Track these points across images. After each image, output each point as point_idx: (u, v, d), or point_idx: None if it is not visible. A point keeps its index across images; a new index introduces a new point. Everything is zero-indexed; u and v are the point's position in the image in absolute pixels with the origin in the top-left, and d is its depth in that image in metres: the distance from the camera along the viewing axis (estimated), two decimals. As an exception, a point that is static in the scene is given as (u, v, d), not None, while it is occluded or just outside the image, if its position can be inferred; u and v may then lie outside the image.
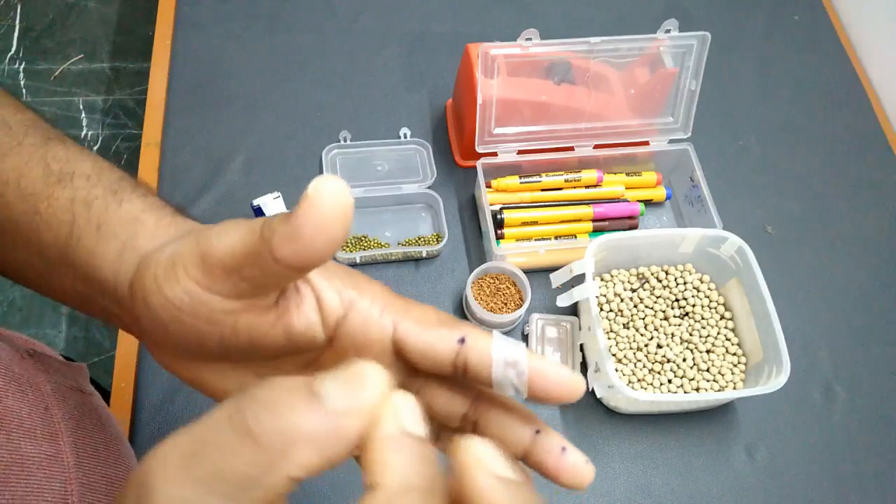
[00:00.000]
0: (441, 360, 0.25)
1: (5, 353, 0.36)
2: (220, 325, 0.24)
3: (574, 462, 0.25)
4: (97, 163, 0.31)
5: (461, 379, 0.25)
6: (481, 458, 0.19)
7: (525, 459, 0.26)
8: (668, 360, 0.68)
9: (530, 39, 0.69)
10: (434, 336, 0.25)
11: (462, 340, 0.25)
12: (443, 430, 0.30)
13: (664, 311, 0.71)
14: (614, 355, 0.68)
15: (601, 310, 0.70)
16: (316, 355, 0.27)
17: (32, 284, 0.32)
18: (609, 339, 0.69)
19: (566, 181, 0.77)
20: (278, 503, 0.18)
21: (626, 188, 0.79)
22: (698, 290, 0.72)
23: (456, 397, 0.27)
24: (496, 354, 0.24)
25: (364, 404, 0.18)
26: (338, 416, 0.18)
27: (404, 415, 0.19)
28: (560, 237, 0.76)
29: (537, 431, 0.25)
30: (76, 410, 0.41)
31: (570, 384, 0.24)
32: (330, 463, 0.18)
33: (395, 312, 0.26)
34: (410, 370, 0.26)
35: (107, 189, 0.29)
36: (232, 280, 0.23)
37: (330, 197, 0.20)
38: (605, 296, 0.71)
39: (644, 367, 0.68)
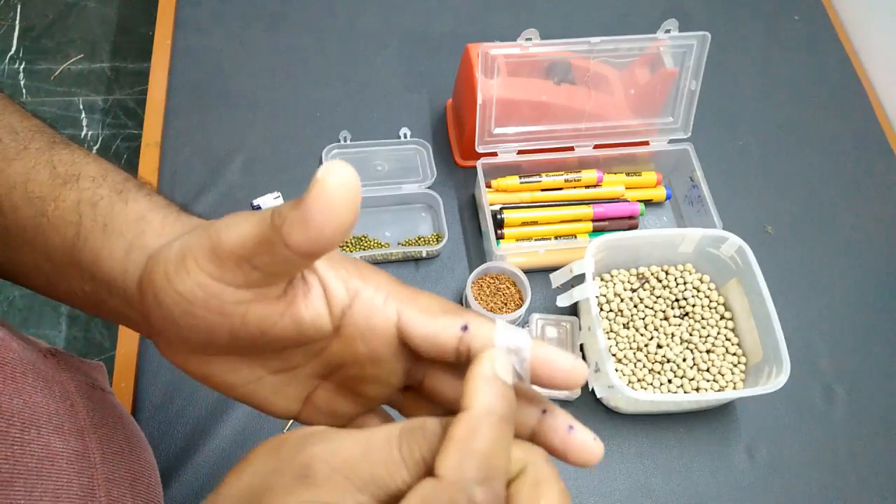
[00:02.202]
0: (444, 348, 0.25)
1: (29, 353, 0.36)
2: (230, 317, 0.24)
3: (582, 440, 0.25)
4: (102, 165, 0.31)
5: (465, 366, 0.26)
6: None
7: (533, 439, 0.26)
8: (668, 360, 0.68)
9: (530, 39, 0.69)
10: (437, 324, 0.25)
11: (465, 328, 0.25)
12: (451, 415, 0.30)
13: (664, 311, 0.71)
14: (614, 355, 0.68)
15: (601, 310, 0.70)
16: (323, 345, 0.27)
17: (41, 288, 0.32)
18: (609, 339, 0.69)
19: (566, 181, 0.77)
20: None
21: (626, 188, 0.79)
22: (698, 290, 0.72)
23: (462, 381, 0.28)
24: (499, 342, 0.25)
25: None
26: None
27: (499, 364, 0.23)
28: (560, 237, 0.76)
29: (544, 411, 0.25)
30: (98, 407, 0.41)
31: (574, 370, 0.24)
32: None
33: (400, 301, 0.26)
34: (416, 356, 0.27)
35: (112, 189, 0.29)
36: (243, 270, 0.23)
37: (338, 181, 0.21)
38: (605, 296, 0.71)
39: (644, 367, 0.68)
